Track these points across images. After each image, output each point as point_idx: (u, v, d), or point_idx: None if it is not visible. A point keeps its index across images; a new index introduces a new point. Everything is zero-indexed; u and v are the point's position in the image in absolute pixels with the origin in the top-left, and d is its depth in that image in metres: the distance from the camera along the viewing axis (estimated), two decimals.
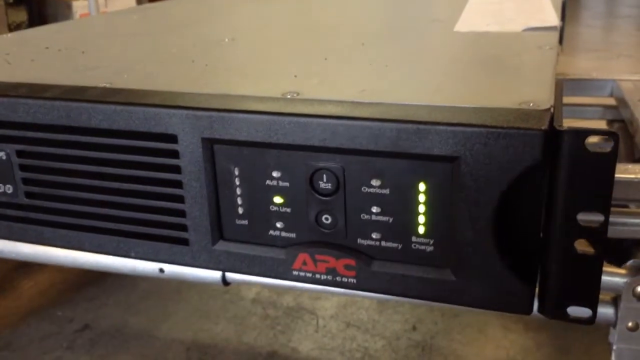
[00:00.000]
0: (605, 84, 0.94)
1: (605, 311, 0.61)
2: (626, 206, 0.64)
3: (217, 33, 0.73)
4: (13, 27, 2.88)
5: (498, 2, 0.82)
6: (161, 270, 0.70)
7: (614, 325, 0.62)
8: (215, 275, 0.67)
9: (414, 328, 1.02)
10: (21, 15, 3.05)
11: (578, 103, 0.98)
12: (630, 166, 0.60)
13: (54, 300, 1.16)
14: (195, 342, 1.02)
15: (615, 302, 0.61)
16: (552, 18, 0.68)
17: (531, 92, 0.42)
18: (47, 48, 0.66)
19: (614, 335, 0.62)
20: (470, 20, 0.72)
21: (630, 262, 0.62)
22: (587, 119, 0.98)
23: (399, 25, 0.76)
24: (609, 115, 0.97)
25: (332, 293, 0.64)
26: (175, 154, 0.45)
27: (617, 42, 3.36)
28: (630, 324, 0.61)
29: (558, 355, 0.94)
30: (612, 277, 0.59)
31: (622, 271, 0.61)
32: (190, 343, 1.02)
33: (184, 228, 0.47)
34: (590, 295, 0.41)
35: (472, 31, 0.66)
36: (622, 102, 0.87)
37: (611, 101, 0.95)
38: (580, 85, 0.95)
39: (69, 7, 3.12)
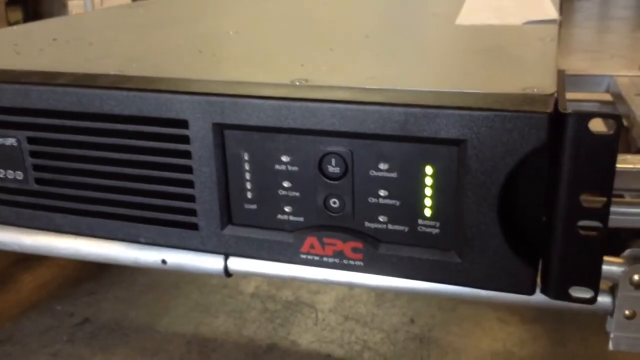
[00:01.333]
0: (602, 79, 0.95)
1: (602, 300, 0.62)
2: (622, 196, 0.65)
3: (221, 26, 0.74)
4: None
5: None
6: (164, 262, 0.71)
7: (612, 313, 0.63)
8: (217, 266, 0.68)
9: (412, 321, 1.03)
10: (16, 15, 3.04)
11: (574, 99, 1.00)
12: (628, 156, 0.61)
13: (54, 294, 1.16)
14: (195, 335, 1.03)
15: (612, 291, 0.62)
16: (551, 12, 0.69)
17: (535, 79, 0.43)
18: (54, 40, 0.66)
19: (611, 324, 0.63)
20: (471, 15, 0.73)
21: (627, 252, 0.63)
22: None
23: (400, 19, 0.77)
24: (604, 111, 0.99)
25: (337, 283, 0.65)
26: (186, 140, 0.46)
27: (611, 43, 3.38)
28: (627, 312, 0.62)
29: (554, 347, 0.95)
30: (610, 266, 0.60)
31: (620, 260, 0.62)
32: (191, 336, 1.03)
33: (193, 213, 0.48)
34: (592, 276, 0.42)
35: (473, 24, 0.67)
36: (618, 98, 0.89)
37: (607, 97, 0.96)
38: (577, 81, 0.97)
39: (64, 5, 3.12)
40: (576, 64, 0.97)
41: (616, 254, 0.64)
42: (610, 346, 0.64)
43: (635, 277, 0.60)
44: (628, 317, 0.62)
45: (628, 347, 0.63)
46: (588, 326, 0.98)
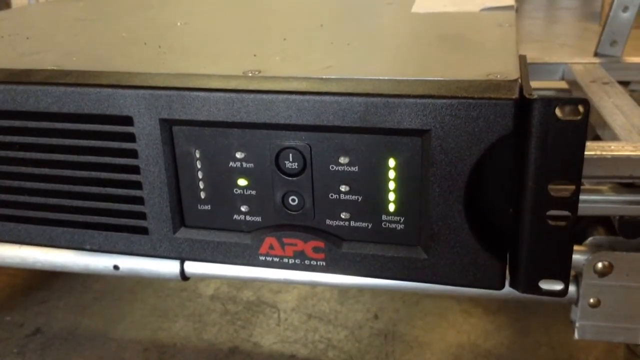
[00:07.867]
0: (557, 67, 0.95)
1: None
2: (582, 184, 0.65)
3: (168, 18, 0.71)
4: None
5: None
6: (116, 267, 0.67)
7: (576, 302, 0.62)
8: (173, 270, 0.65)
9: (376, 317, 1.02)
10: None
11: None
12: (587, 143, 0.60)
13: (2, 304, 1.10)
14: (153, 341, 0.99)
15: (576, 279, 0.62)
16: None
17: (498, 65, 0.42)
18: None
19: (576, 313, 0.63)
20: (427, 3, 0.71)
21: (590, 240, 0.63)
22: None
23: (354, 9, 0.75)
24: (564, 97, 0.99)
25: (299, 282, 0.63)
26: (131, 137, 0.43)
27: (560, 33, 3.45)
28: (591, 301, 0.61)
29: (518, 337, 0.95)
30: (573, 254, 0.60)
31: (583, 248, 0.62)
32: (148, 343, 0.99)
33: (142, 216, 0.45)
34: (562, 268, 0.41)
35: (430, 12, 0.65)
36: (574, 85, 0.89)
37: (563, 84, 0.96)
38: (532, 69, 0.96)
39: (7, 4, 3.01)
40: (527, 54, 0.96)
41: (576, 242, 0.63)
42: (576, 335, 0.63)
43: (599, 265, 0.60)
44: (592, 306, 0.62)
45: (593, 336, 0.63)
46: (551, 314, 0.98)
